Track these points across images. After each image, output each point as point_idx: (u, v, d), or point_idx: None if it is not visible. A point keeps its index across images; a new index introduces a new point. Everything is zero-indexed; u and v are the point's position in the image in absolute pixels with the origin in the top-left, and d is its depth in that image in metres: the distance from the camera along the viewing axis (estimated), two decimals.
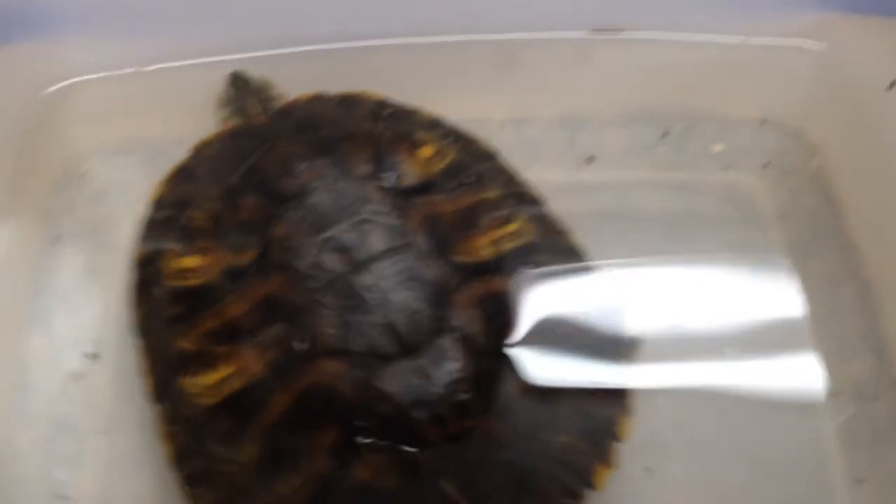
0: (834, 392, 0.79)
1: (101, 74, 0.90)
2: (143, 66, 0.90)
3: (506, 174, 0.83)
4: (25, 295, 0.83)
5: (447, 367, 0.67)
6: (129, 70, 0.90)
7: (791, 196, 0.90)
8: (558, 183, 0.85)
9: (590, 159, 0.93)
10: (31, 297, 0.83)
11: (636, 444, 0.71)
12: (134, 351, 0.76)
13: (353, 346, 0.67)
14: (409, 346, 0.67)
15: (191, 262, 0.74)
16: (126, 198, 0.88)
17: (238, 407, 0.68)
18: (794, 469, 0.77)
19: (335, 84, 0.86)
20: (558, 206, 0.81)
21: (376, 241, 0.71)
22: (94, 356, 0.81)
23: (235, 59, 0.89)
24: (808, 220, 0.89)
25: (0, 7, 0.85)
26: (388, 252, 0.70)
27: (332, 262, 0.70)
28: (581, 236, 0.79)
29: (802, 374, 0.80)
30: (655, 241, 0.88)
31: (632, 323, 0.75)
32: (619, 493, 0.74)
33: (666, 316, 0.83)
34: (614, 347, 0.74)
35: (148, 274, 0.77)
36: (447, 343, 0.68)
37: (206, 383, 0.70)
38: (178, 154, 0.82)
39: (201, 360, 0.70)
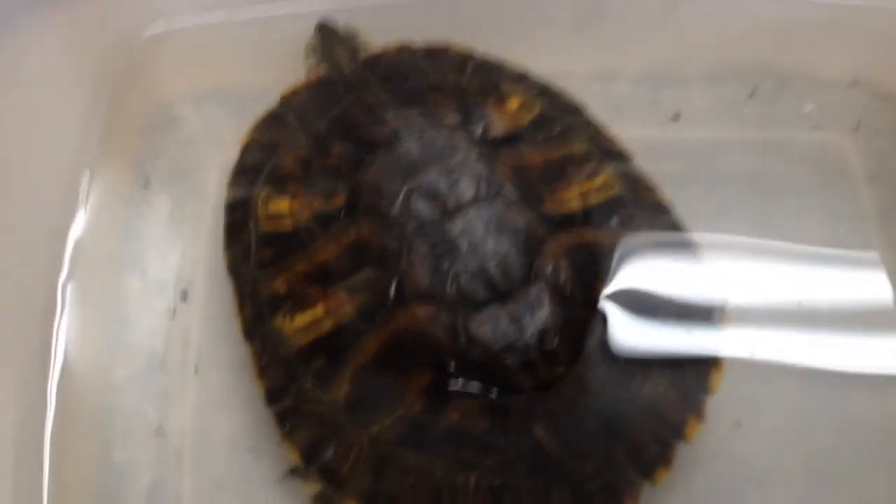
0: None
1: (193, 22, 0.91)
2: (235, 13, 0.91)
3: (592, 128, 0.82)
4: (119, 237, 0.85)
5: (538, 314, 0.67)
6: (220, 17, 0.91)
7: (881, 158, 0.88)
8: (643, 140, 0.83)
9: (675, 117, 0.91)
10: (124, 239, 0.85)
11: (725, 398, 0.71)
12: (223, 293, 0.78)
13: (444, 291, 0.67)
14: (500, 292, 0.67)
15: (281, 206, 0.75)
16: (213, 145, 0.90)
17: (329, 348, 0.69)
18: (882, 427, 0.76)
19: (419, 35, 0.86)
20: (643, 163, 0.80)
21: (466, 188, 0.70)
22: (184, 297, 0.83)
23: (323, 8, 0.89)
24: None
25: None
26: (478, 200, 0.70)
27: (422, 208, 0.70)
28: (666, 194, 0.79)
29: (889, 338, 0.79)
30: (742, 202, 0.86)
31: (720, 282, 0.75)
32: (707, 445, 0.74)
33: (752, 276, 0.82)
34: (704, 306, 0.73)
35: (238, 217, 0.78)
36: (537, 291, 0.67)
37: (297, 325, 0.71)
38: (265, 103, 0.83)
39: (292, 302, 0.71)
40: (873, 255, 0.83)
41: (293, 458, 0.70)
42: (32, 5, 0.83)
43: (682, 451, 0.69)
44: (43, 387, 0.77)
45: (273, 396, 0.72)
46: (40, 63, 0.84)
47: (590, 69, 0.92)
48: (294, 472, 0.73)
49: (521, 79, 0.84)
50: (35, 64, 0.84)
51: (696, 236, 0.77)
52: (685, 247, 0.76)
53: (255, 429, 0.77)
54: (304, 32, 0.88)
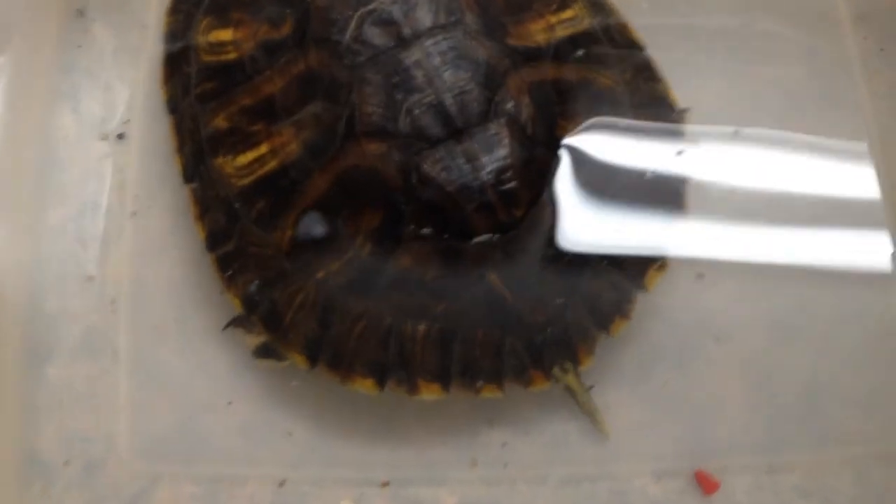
0: None
1: None
2: None
3: None
4: (51, 70, 0.79)
5: (497, 153, 0.62)
6: None
7: None
8: None
9: None
10: (57, 73, 0.79)
11: (690, 249, 0.68)
12: (161, 132, 0.73)
13: (397, 127, 0.63)
14: (456, 128, 0.63)
15: (224, 35, 0.70)
16: None
17: (274, 188, 0.66)
18: (845, 285, 0.74)
19: None
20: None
21: (424, 15, 0.65)
22: (122, 136, 0.78)
23: None
24: (885, 23, 0.83)
25: None
26: (437, 28, 0.65)
27: (375, 36, 0.64)
28: (642, 33, 0.75)
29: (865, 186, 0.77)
30: (721, 45, 0.82)
31: (689, 123, 0.72)
32: (668, 295, 0.71)
33: (726, 119, 0.78)
34: (670, 148, 0.70)
35: (178, 48, 0.73)
36: (497, 128, 0.63)
37: (240, 163, 0.67)
38: None
39: (235, 139, 0.67)
40: (853, 97, 0.80)
41: (235, 305, 0.67)
42: None
43: (642, 303, 0.67)
44: None
45: (214, 241, 0.68)
46: None
47: None
48: (236, 321, 0.69)
49: None
50: None
51: (668, 74, 0.73)
52: (658, 89, 0.72)
53: (195, 276, 0.73)
54: None
